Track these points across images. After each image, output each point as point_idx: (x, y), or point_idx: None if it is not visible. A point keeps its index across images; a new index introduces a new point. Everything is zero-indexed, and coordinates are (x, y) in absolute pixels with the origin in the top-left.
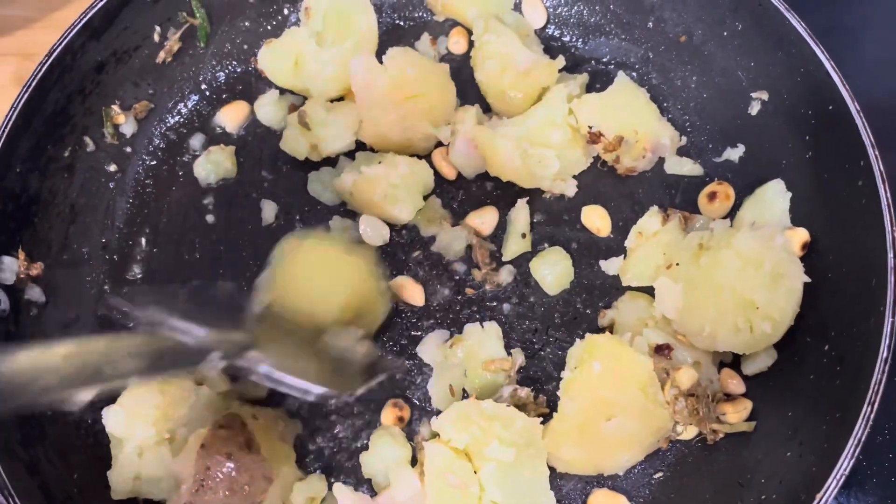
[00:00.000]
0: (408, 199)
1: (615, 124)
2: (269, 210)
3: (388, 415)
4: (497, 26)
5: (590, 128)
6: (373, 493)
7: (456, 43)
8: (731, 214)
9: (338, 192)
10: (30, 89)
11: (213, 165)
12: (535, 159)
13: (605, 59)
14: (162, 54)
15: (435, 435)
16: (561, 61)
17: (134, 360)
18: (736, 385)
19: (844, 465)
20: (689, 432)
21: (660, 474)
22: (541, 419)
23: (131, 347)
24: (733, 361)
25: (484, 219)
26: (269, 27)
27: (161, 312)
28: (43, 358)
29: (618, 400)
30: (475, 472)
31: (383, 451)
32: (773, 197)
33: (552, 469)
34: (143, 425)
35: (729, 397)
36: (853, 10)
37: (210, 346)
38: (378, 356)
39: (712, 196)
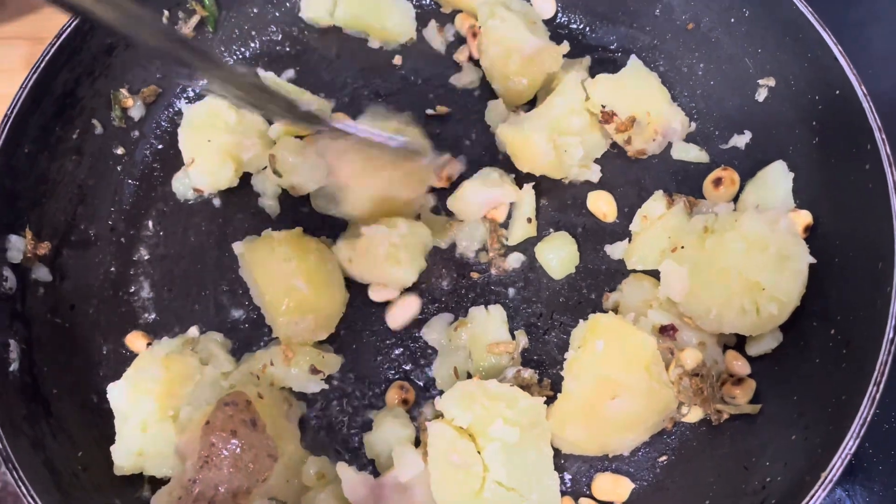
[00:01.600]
0: (410, 260)
1: (627, 106)
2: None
3: (393, 396)
4: (502, 12)
5: (603, 107)
6: (377, 473)
7: (462, 25)
8: (736, 199)
9: (338, 263)
10: (39, 70)
11: None
12: (562, 148)
13: (612, 47)
14: None
15: (439, 415)
16: (566, 46)
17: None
18: (741, 366)
19: (849, 446)
20: (693, 414)
21: (664, 458)
22: (545, 401)
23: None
24: (738, 343)
25: (498, 206)
26: (276, 13)
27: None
28: None
29: (622, 379)
30: (479, 452)
31: (387, 432)
32: (776, 178)
33: (557, 451)
34: (147, 400)
35: (733, 378)
36: (861, 4)
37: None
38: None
39: (718, 182)
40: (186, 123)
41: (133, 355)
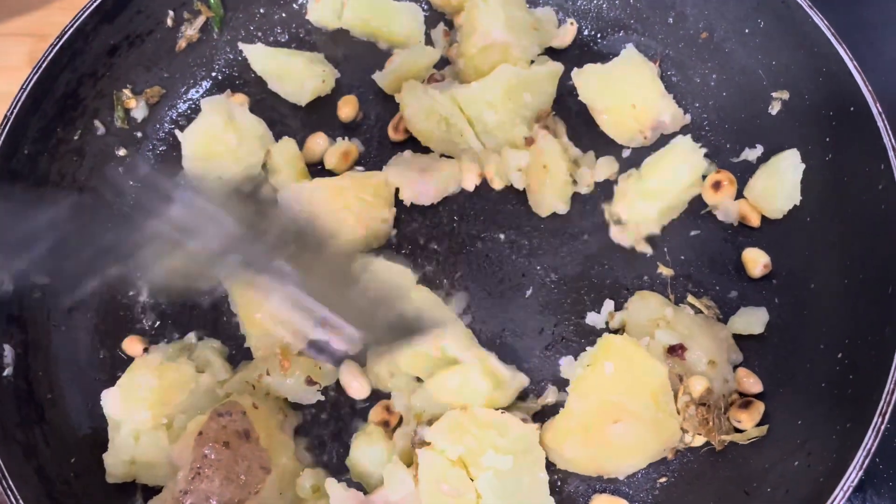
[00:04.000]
0: None
1: (612, 95)
2: None
3: (375, 414)
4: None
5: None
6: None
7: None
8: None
9: None
10: (40, 70)
11: None
12: (456, 130)
13: None
14: (182, 42)
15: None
16: (517, 49)
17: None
18: (753, 384)
19: (852, 476)
20: (697, 440)
21: (664, 479)
22: (538, 425)
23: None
24: (748, 360)
25: None
26: (283, 14)
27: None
28: None
29: (628, 405)
30: (472, 480)
31: (365, 453)
32: (787, 168)
33: (553, 468)
34: (140, 408)
35: (741, 401)
36: (874, 7)
37: (232, 246)
38: (422, 310)
39: (717, 185)
40: (187, 153)
41: (130, 360)
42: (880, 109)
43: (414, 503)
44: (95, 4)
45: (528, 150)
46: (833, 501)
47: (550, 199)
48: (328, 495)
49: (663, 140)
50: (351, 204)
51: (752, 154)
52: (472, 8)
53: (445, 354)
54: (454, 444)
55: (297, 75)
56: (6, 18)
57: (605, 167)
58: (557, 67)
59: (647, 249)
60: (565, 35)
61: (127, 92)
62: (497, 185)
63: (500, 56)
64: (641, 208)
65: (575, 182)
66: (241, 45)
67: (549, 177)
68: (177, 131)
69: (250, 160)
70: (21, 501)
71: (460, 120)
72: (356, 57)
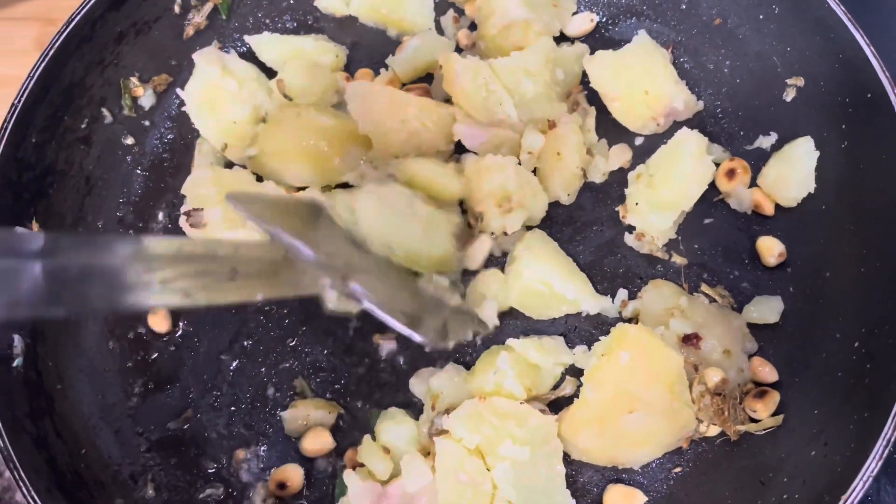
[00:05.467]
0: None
1: (625, 82)
2: None
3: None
4: None
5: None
6: None
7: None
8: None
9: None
10: (47, 59)
11: None
12: (496, 97)
13: None
14: (190, 29)
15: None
16: (538, 24)
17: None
18: (768, 373)
19: (872, 466)
20: (712, 430)
21: (678, 469)
22: (554, 416)
23: (250, 252)
24: (763, 349)
25: None
26: (291, 1)
27: (274, 225)
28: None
29: (643, 394)
30: (488, 470)
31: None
32: (801, 155)
33: (567, 457)
34: None
35: (756, 390)
36: None
37: (319, 269)
38: (468, 310)
39: (731, 173)
40: (192, 109)
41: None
42: None
43: (430, 494)
44: None
45: (545, 133)
46: (853, 491)
47: (556, 187)
48: None
49: (676, 127)
50: (410, 121)
51: (766, 142)
52: None
53: (554, 292)
54: (472, 432)
55: (308, 55)
56: (13, 2)
57: (618, 155)
58: (583, 48)
59: (665, 256)
60: (583, 25)
61: (134, 80)
62: None
63: (521, 33)
64: (655, 221)
65: (585, 176)
66: (246, 38)
67: (560, 165)
68: (178, 89)
69: (254, 101)
70: (33, 492)
71: (499, 87)
72: (365, 44)
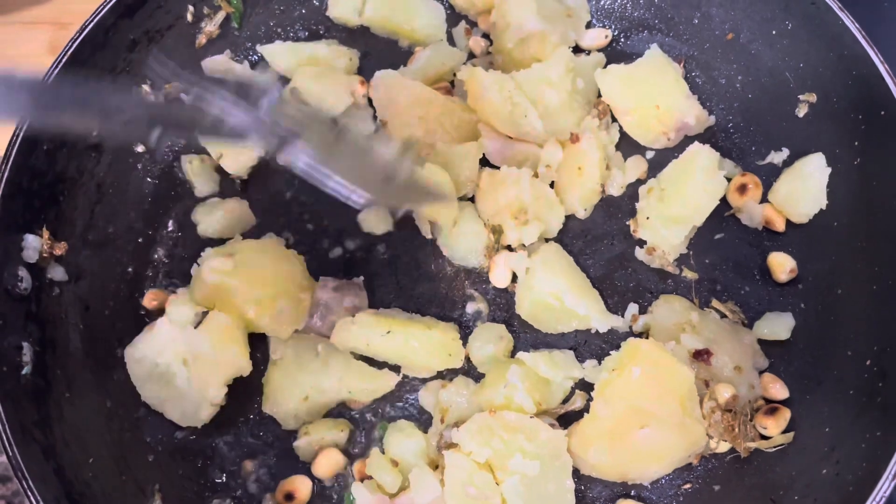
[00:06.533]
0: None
1: (636, 96)
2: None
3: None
4: None
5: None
6: None
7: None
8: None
9: None
10: (60, 66)
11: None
12: (521, 110)
13: None
14: (202, 38)
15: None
16: (554, 35)
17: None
18: (779, 390)
19: (885, 486)
20: (722, 446)
21: (688, 486)
22: (564, 430)
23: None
24: (774, 366)
25: None
26: (303, 10)
27: (211, 85)
28: None
29: (654, 410)
30: (497, 484)
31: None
32: (813, 171)
33: (577, 472)
34: None
35: (767, 407)
36: None
37: (252, 127)
38: (423, 180)
39: (743, 188)
40: None
41: None
42: None
43: None
44: None
45: (565, 147)
46: None
47: (574, 201)
48: None
49: (687, 141)
50: (429, 119)
51: (777, 157)
52: (502, 3)
53: (565, 307)
54: (481, 446)
55: (321, 61)
56: (27, 6)
57: (635, 167)
58: (600, 57)
59: (676, 270)
60: (597, 39)
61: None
62: None
63: (538, 45)
64: (666, 236)
65: (604, 191)
66: (259, 48)
67: (581, 180)
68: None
69: None
70: (41, 502)
71: (524, 100)
72: (376, 55)
